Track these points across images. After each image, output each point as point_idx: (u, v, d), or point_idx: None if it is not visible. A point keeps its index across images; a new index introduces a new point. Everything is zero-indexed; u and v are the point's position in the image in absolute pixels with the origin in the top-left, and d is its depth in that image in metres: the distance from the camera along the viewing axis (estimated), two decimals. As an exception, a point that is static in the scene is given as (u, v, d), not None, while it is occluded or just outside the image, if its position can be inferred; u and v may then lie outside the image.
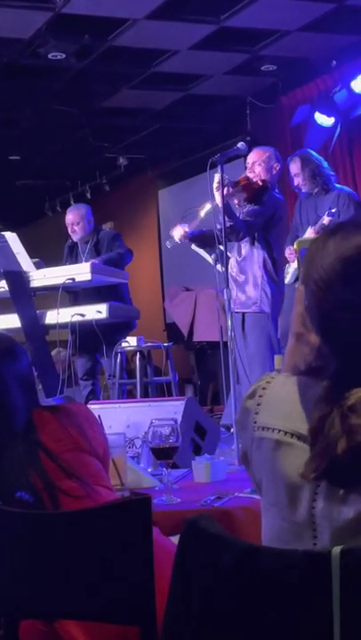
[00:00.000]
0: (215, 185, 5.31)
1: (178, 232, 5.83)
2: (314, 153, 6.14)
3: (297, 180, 6.04)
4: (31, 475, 1.93)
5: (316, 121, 7.63)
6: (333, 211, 5.79)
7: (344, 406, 1.32)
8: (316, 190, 6.00)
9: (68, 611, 1.75)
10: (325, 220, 5.74)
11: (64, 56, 7.53)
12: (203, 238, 5.84)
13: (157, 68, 8.01)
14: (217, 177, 5.31)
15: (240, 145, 5.38)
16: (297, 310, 1.62)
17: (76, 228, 6.78)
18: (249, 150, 5.83)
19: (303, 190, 6.06)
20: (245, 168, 5.91)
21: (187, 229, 5.79)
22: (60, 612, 1.78)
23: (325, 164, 6.07)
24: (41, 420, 2.03)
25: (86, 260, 6.59)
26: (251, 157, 5.79)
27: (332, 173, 6.08)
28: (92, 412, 2.14)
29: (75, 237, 6.83)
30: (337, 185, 6.11)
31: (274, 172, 5.80)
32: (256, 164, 5.76)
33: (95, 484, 1.98)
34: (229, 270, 5.70)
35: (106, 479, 2.07)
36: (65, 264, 6.73)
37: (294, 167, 6.04)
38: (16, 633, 1.80)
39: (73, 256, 6.87)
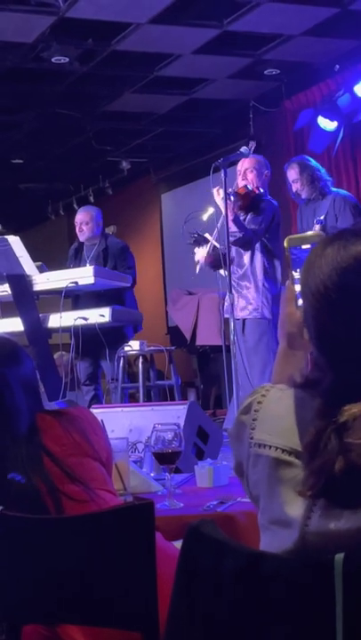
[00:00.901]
0: (220, 197, 5.37)
1: (201, 254, 5.86)
2: (311, 159, 6.16)
3: (295, 186, 6.05)
4: (35, 478, 1.93)
5: (319, 125, 7.62)
6: (322, 218, 5.82)
7: (338, 423, 1.29)
8: (314, 195, 6.01)
9: (70, 615, 1.75)
10: (316, 228, 5.77)
11: (67, 60, 7.54)
12: (215, 261, 5.88)
13: (160, 72, 8.01)
14: (220, 191, 5.35)
15: (243, 149, 5.40)
16: (287, 310, 1.59)
17: (84, 227, 6.76)
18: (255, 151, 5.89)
19: (303, 196, 6.07)
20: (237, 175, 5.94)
21: (208, 251, 5.82)
22: (62, 617, 1.78)
23: (323, 170, 6.09)
24: (44, 424, 2.03)
25: (90, 263, 6.59)
26: (242, 165, 5.83)
27: (328, 178, 6.10)
28: (95, 417, 2.14)
29: (81, 237, 6.81)
30: (333, 189, 6.12)
31: (264, 177, 5.86)
32: (248, 171, 5.82)
33: (98, 489, 1.98)
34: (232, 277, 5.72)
35: (109, 484, 2.07)
36: (69, 266, 6.73)
37: (293, 173, 6.05)
38: (19, 638, 1.80)
39: (78, 258, 6.86)
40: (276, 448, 1.36)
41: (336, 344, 1.34)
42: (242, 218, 5.73)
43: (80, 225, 6.79)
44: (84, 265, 6.62)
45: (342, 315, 1.33)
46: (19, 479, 1.93)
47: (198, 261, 5.94)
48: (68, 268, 6.65)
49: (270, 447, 1.37)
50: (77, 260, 6.83)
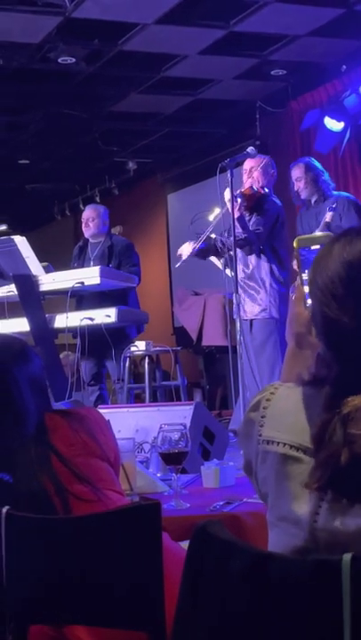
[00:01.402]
0: (227, 198, 5.37)
1: (186, 249, 5.87)
2: (317, 163, 6.17)
3: (297, 185, 6.06)
4: (43, 478, 1.93)
5: (325, 125, 7.62)
6: (334, 206, 5.81)
7: (342, 414, 1.31)
8: (315, 198, 6.01)
9: (77, 615, 1.75)
10: (328, 216, 5.75)
11: (74, 60, 7.54)
12: (208, 251, 5.89)
13: (167, 73, 8.02)
14: (228, 193, 5.36)
15: (250, 149, 5.40)
16: (295, 310, 1.60)
17: (90, 223, 6.78)
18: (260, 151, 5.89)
19: (302, 196, 6.07)
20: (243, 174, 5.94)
21: (194, 245, 5.82)
22: (69, 617, 1.78)
23: (327, 174, 6.10)
24: (53, 423, 2.03)
25: (95, 261, 6.60)
26: (248, 164, 5.82)
27: (332, 183, 6.11)
28: (103, 417, 2.14)
29: (87, 233, 6.81)
30: (335, 192, 6.13)
31: (270, 177, 5.85)
32: (254, 170, 5.80)
33: (106, 489, 1.98)
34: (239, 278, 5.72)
35: (117, 484, 2.07)
36: (73, 265, 6.74)
37: (298, 171, 6.06)
38: (25, 638, 1.80)
39: (82, 258, 6.87)
40: (285, 444, 1.38)
41: (343, 338, 1.35)
42: (247, 219, 5.72)
43: (86, 221, 6.80)
44: (89, 263, 6.63)
45: (349, 308, 1.35)
46: (7, 479, 1.93)
47: (180, 255, 5.94)
48: (73, 267, 6.66)
49: (278, 443, 1.38)
50: (82, 259, 6.84)
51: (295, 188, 6.10)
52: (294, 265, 6.08)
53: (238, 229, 5.48)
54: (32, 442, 1.99)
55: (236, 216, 5.43)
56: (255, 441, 1.43)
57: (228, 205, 5.42)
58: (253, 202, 5.72)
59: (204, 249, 5.89)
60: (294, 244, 1.62)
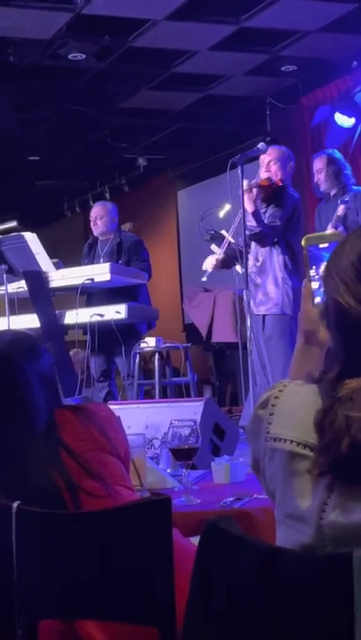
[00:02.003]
0: (245, 188, 5.32)
1: (210, 263, 5.82)
2: (340, 156, 6.12)
3: (318, 177, 6.03)
4: (53, 474, 1.94)
5: (336, 121, 7.60)
6: (346, 199, 5.78)
7: (341, 397, 1.32)
8: (334, 192, 5.98)
9: (87, 611, 1.75)
10: (340, 209, 5.73)
11: (84, 57, 7.54)
12: (227, 261, 5.85)
13: (177, 69, 8.01)
14: (246, 183, 5.32)
15: (260, 145, 5.37)
16: (304, 308, 1.61)
17: (98, 221, 6.78)
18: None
19: (321, 188, 6.04)
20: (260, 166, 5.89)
21: (217, 257, 5.78)
22: (79, 612, 1.78)
23: (349, 169, 6.06)
24: (63, 419, 2.03)
25: (104, 258, 6.60)
26: (266, 156, 5.75)
27: (352, 180, 6.07)
28: (113, 413, 2.14)
29: (96, 231, 6.82)
30: (354, 187, 6.10)
31: (288, 169, 5.78)
32: (272, 163, 5.73)
33: (116, 484, 1.98)
34: (250, 272, 5.68)
35: (127, 479, 2.07)
36: (84, 262, 6.74)
37: (319, 163, 6.03)
38: (36, 633, 1.80)
39: (91, 254, 6.87)
40: (292, 441, 1.37)
41: (352, 326, 1.36)
42: (263, 210, 5.67)
43: (95, 219, 6.80)
44: (98, 260, 6.63)
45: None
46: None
47: (206, 271, 5.90)
48: (83, 264, 6.66)
49: (286, 441, 1.38)
50: (91, 256, 6.84)
51: (315, 180, 6.07)
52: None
53: (253, 223, 5.43)
54: (42, 438, 1.99)
55: (251, 210, 5.39)
56: (263, 438, 1.43)
57: (245, 198, 5.36)
58: (270, 193, 5.66)
59: (226, 258, 5.85)
60: (303, 243, 1.63)
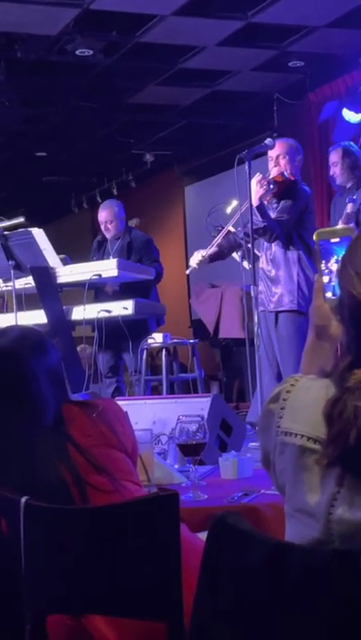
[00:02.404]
0: (256, 180, 5.29)
1: (195, 259, 5.83)
2: (357, 148, 6.09)
3: (333, 170, 6.00)
4: (61, 469, 1.94)
5: (343, 117, 7.59)
6: (355, 197, 5.76)
7: (349, 387, 1.32)
8: (349, 185, 5.95)
9: (95, 606, 1.75)
10: (348, 207, 5.71)
11: (91, 52, 7.54)
12: (222, 253, 5.84)
13: (184, 65, 8.00)
14: (257, 175, 5.30)
15: (267, 141, 5.35)
16: (315, 303, 1.60)
17: (109, 226, 6.79)
18: None
19: (337, 181, 6.01)
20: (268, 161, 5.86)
21: (203, 254, 5.78)
22: (87, 608, 1.78)
23: None
24: (70, 414, 2.03)
25: (114, 256, 6.60)
26: (274, 151, 5.71)
27: None
28: (120, 408, 2.15)
29: (108, 235, 6.83)
30: None
31: (297, 163, 5.74)
32: (281, 157, 5.69)
33: (124, 480, 1.98)
34: (263, 268, 5.65)
35: (134, 475, 2.07)
36: (93, 259, 6.74)
37: (335, 156, 5.99)
38: (44, 628, 1.81)
39: (101, 252, 6.88)
40: (303, 436, 1.37)
41: None
42: (274, 206, 5.64)
43: (105, 224, 6.80)
44: (108, 258, 6.64)
45: None
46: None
47: (190, 266, 5.90)
48: (92, 260, 6.67)
49: (297, 435, 1.38)
50: (101, 253, 6.85)
51: (331, 173, 6.04)
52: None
53: (258, 218, 5.41)
54: (50, 433, 1.99)
55: (255, 204, 5.36)
56: (274, 432, 1.42)
57: (254, 191, 5.34)
58: (283, 188, 5.64)
59: (217, 253, 5.83)
60: (314, 237, 1.62)
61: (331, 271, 1.56)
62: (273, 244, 5.63)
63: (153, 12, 6.83)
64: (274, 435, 1.42)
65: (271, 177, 5.53)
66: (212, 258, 5.84)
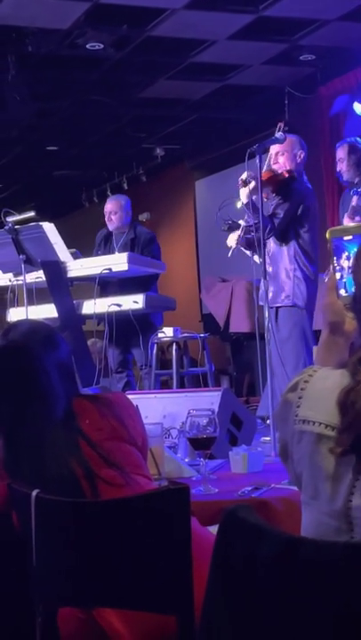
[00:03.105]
0: (239, 182, 5.32)
1: (232, 239, 5.78)
2: None
3: (340, 166, 6.00)
4: (72, 462, 1.94)
5: (355, 111, 7.57)
6: (360, 190, 5.74)
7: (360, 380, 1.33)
8: (356, 180, 5.94)
9: (106, 599, 1.76)
10: (353, 200, 5.70)
11: (102, 46, 7.54)
12: (251, 242, 5.83)
13: (195, 59, 7.99)
14: (244, 174, 5.30)
15: (278, 135, 5.33)
16: (329, 300, 1.61)
17: (113, 217, 6.78)
18: None
19: (344, 177, 6.01)
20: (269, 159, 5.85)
21: (240, 233, 5.74)
22: (98, 601, 1.78)
23: None
24: (81, 408, 2.04)
25: (119, 251, 6.60)
26: (273, 148, 5.70)
27: None
28: (131, 402, 2.15)
29: (110, 227, 6.83)
30: None
31: (298, 160, 5.71)
32: (279, 155, 5.69)
33: (134, 473, 1.99)
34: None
35: (145, 468, 2.07)
36: (97, 253, 6.74)
37: (341, 152, 5.99)
38: (54, 620, 1.81)
39: (107, 246, 6.87)
40: (320, 423, 1.39)
41: None
42: (272, 202, 5.65)
43: (109, 214, 6.80)
44: (114, 253, 6.64)
45: None
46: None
47: (231, 246, 5.88)
48: (96, 254, 6.67)
49: (314, 423, 1.39)
50: (107, 248, 6.85)
51: (338, 169, 6.04)
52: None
53: (249, 215, 5.41)
54: (61, 426, 1.99)
55: (244, 202, 5.37)
56: (291, 421, 1.44)
57: (241, 191, 5.37)
58: (278, 185, 5.63)
59: (251, 239, 5.81)
60: (327, 235, 1.63)
61: (342, 268, 1.56)
62: (271, 242, 5.64)
63: (164, 5, 6.82)
64: (291, 424, 1.44)
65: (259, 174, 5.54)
66: (249, 244, 5.79)
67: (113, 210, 6.80)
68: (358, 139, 6.16)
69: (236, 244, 5.72)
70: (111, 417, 2.03)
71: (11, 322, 2.30)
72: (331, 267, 1.61)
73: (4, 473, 1.98)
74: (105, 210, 6.89)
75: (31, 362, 2.03)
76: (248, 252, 5.89)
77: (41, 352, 2.05)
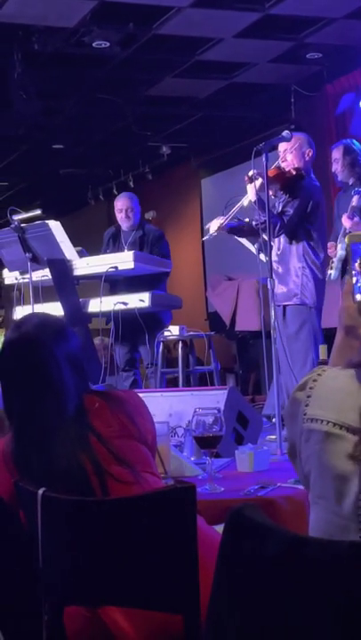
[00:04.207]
0: (245, 178, 5.32)
1: (214, 225, 5.80)
2: (359, 146, 6.07)
3: (335, 167, 6.00)
4: (82, 457, 1.94)
5: (361, 109, 7.56)
6: (360, 189, 5.75)
7: None
8: (351, 181, 5.95)
9: (112, 597, 1.76)
10: (354, 200, 5.69)
11: (108, 45, 7.53)
12: (241, 229, 5.82)
13: (202, 57, 7.98)
14: (251, 171, 5.30)
15: (285, 133, 5.32)
16: (345, 304, 1.62)
17: (130, 214, 6.75)
18: None
19: (339, 178, 6.02)
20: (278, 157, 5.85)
21: (222, 221, 5.76)
22: (103, 599, 1.79)
23: None
24: (92, 404, 2.03)
25: (128, 249, 6.60)
26: (282, 145, 5.70)
27: None
28: (141, 399, 2.15)
29: (126, 223, 6.78)
30: None
31: (307, 157, 5.72)
32: (288, 152, 5.69)
33: (144, 472, 1.99)
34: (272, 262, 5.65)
35: (154, 467, 2.08)
36: (105, 251, 6.74)
37: (336, 153, 6.00)
38: (61, 619, 1.81)
39: (116, 244, 6.87)
40: (328, 422, 1.39)
41: None
42: (281, 200, 5.65)
43: (126, 212, 6.76)
44: (123, 250, 6.63)
45: None
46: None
47: (208, 231, 5.89)
48: (105, 252, 6.66)
49: (323, 421, 1.40)
50: (116, 246, 6.84)
51: (333, 169, 6.04)
52: (329, 251, 6.00)
53: (258, 213, 5.40)
54: (71, 421, 1.99)
55: (253, 199, 5.37)
56: (300, 420, 1.45)
57: (248, 187, 5.37)
58: (284, 181, 5.63)
59: (236, 227, 5.81)
60: (346, 240, 1.64)
61: (358, 272, 1.57)
62: (280, 239, 5.64)
63: (170, 3, 6.81)
64: (300, 422, 1.44)
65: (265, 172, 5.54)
66: (232, 230, 5.81)
67: (130, 206, 6.77)
68: (354, 140, 6.17)
69: (218, 229, 5.73)
70: (122, 414, 2.03)
71: (20, 317, 2.28)
72: (348, 271, 1.62)
73: (13, 467, 1.99)
74: (120, 207, 6.84)
75: (43, 354, 2.03)
76: (248, 244, 5.88)
77: (53, 345, 2.04)
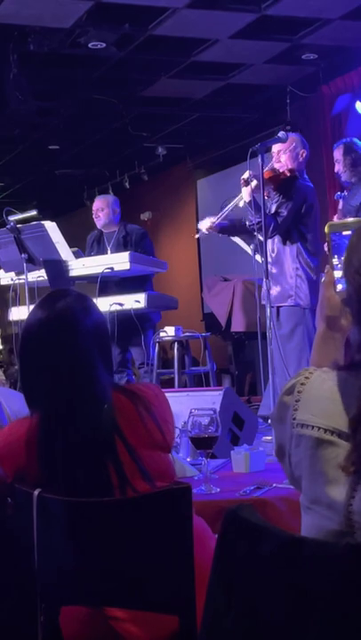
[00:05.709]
0: (241, 181, 5.34)
1: (205, 223, 5.83)
2: (359, 143, 6.08)
3: (337, 167, 6.01)
4: (108, 467, 1.85)
5: (357, 110, 7.56)
6: (338, 193, 5.78)
7: None
8: (353, 180, 5.95)
9: (107, 598, 1.76)
10: (340, 204, 5.72)
11: (104, 45, 7.53)
12: (233, 229, 5.84)
13: (197, 57, 7.98)
14: (246, 173, 5.32)
15: (280, 134, 5.34)
16: (326, 294, 1.60)
17: (100, 214, 6.80)
18: None
19: (342, 178, 6.03)
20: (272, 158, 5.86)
21: (213, 220, 5.78)
22: (99, 600, 1.78)
23: None
24: (119, 403, 1.91)
25: (112, 250, 6.62)
26: (276, 146, 5.72)
27: None
28: (165, 398, 2.01)
29: (98, 223, 6.83)
30: None
31: (300, 158, 5.73)
32: (281, 153, 5.70)
33: (162, 484, 1.87)
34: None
35: (173, 476, 1.97)
36: (90, 254, 6.74)
37: (337, 153, 6.01)
38: (57, 619, 1.81)
39: (99, 247, 6.87)
40: (319, 428, 1.37)
41: None
42: (274, 201, 5.66)
43: (96, 211, 6.83)
44: (106, 253, 6.65)
45: None
46: None
47: (200, 230, 5.93)
48: (89, 255, 6.66)
49: (313, 427, 1.38)
50: (100, 249, 6.84)
51: (335, 169, 6.05)
52: (326, 249, 5.97)
53: (252, 214, 5.42)
54: (100, 420, 1.88)
55: (247, 200, 5.39)
56: (289, 424, 1.43)
57: (243, 190, 5.40)
58: (278, 182, 5.64)
59: (227, 227, 5.84)
60: (326, 230, 1.62)
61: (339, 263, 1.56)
62: (275, 240, 5.65)
63: (165, 4, 6.81)
64: (289, 427, 1.42)
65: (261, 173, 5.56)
66: (223, 230, 5.85)
67: (100, 207, 6.82)
68: (355, 139, 6.17)
69: (209, 229, 5.76)
70: (149, 420, 1.90)
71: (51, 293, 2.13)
72: (329, 262, 1.61)
73: (35, 456, 1.87)
74: (93, 209, 6.91)
75: (76, 335, 1.91)
76: (243, 245, 5.90)
77: (85, 324, 1.92)
